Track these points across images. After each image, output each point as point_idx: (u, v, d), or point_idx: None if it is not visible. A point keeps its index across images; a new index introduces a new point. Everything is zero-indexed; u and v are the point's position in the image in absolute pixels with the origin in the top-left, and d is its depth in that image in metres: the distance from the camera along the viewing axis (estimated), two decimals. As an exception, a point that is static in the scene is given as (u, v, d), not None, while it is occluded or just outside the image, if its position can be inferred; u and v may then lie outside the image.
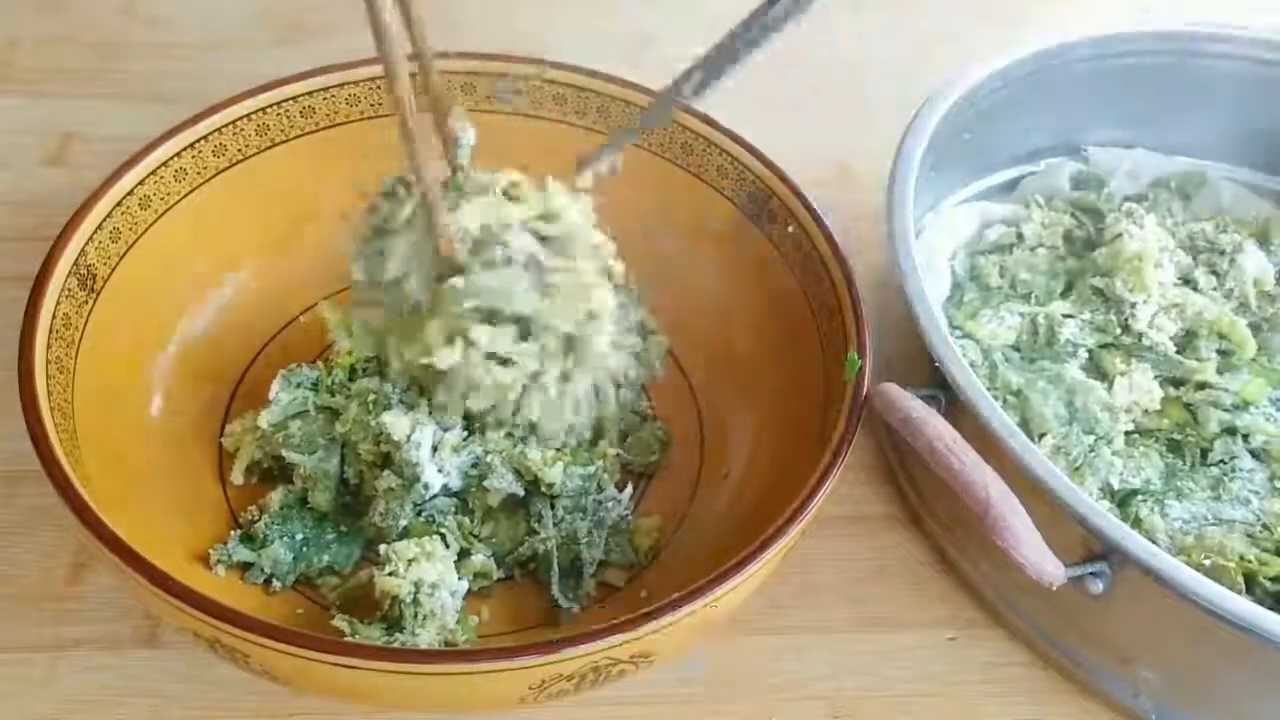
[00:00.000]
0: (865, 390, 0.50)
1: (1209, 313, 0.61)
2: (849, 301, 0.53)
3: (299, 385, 0.54)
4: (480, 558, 0.51)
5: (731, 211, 0.61)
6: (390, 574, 0.48)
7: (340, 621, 0.48)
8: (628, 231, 0.63)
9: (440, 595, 0.48)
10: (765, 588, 0.47)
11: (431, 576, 0.48)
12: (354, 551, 0.52)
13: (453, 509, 0.52)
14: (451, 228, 0.44)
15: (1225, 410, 0.58)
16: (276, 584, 0.50)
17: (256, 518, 0.51)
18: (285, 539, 0.51)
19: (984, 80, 0.64)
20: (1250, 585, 0.51)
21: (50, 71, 0.77)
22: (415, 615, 0.47)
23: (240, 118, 0.58)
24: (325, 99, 0.60)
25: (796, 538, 0.46)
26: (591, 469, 0.52)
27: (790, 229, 0.58)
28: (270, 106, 0.59)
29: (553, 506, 0.52)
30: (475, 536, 0.52)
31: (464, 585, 0.49)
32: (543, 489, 0.51)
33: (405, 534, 0.50)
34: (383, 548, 0.49)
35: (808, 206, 0.57)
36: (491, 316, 0.45)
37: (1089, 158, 0.72)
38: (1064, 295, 0.63)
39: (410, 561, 0.48)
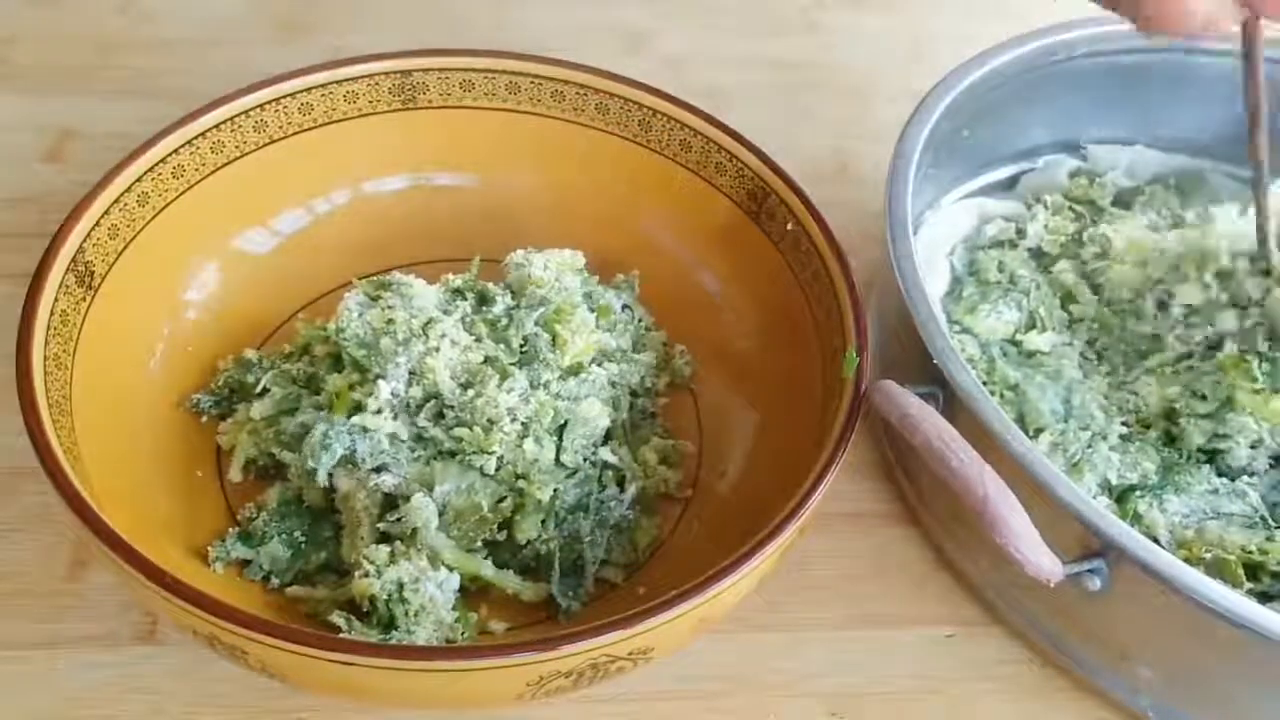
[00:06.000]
0: (863, 387, 0.50)
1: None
2: (847, 299, 0.53)
3: (293, 380, 0.54)
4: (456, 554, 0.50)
5: (730, 209, 0.61)
6: (364, 575, 0.48)
7: (338, 618, 0.48)
8: (627, 227, 0.63)
9: (426, 589, 0.47)
10: (763, 585, 0.47)
11: (409, 574, 0.48)
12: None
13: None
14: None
15: (1201, 418, 0.57)
16: (275, 581, 0.50)
17: (255, 515, 0.51)
18: (283, 536, 0.51)
19: (983, 77, 0.64)
20: (1256, 574, 0.51)
21: (48, 68, 0.77)
22: (406, 612, 0.47)
23: (238, 114, 0.58)
24: (323, 96, 0.60)
25: (794, 535, 0.46)
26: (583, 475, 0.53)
27: (789, 226, 0.58)
28: (268, 103, 0.59)
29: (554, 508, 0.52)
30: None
31: (454, 579, 0.49)
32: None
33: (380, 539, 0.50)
34: (354, 555, 0.49)
35: (807, 204, 0.57)
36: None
37: (1088, 154, 0.72)
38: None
39: (388, 563, 0.48)
